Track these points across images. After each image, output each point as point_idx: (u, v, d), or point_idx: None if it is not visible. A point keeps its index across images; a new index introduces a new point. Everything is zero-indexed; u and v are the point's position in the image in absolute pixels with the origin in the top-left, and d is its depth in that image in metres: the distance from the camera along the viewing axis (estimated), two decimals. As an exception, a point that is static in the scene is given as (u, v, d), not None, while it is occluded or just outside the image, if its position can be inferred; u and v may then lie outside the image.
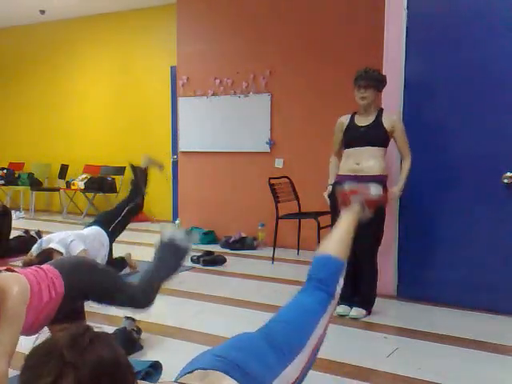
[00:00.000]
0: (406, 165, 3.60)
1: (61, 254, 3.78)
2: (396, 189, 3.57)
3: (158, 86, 7.73)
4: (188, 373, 1.40)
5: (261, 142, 6.00)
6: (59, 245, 3.84)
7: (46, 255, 3.65)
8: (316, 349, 1.72)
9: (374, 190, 2.44)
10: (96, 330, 1.05)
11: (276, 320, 1.74)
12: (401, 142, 3.59)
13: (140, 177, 4.58)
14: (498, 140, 3.60)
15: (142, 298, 2.62)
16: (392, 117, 3.60)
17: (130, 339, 2.93)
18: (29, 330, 2.29)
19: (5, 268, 2.23)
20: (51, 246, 3.82)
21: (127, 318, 3.10)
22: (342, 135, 3.71)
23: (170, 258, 2.78)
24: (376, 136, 3.55)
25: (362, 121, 3.62)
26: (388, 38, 3.92)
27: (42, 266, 2.44)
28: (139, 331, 3.07)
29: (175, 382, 1.35)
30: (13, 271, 2.23)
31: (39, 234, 5.61)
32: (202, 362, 1.44)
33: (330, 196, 3.72)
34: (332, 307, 1.86)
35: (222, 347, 1.54)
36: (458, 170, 3.76)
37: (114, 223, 4.43)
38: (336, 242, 2.04)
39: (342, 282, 1.93)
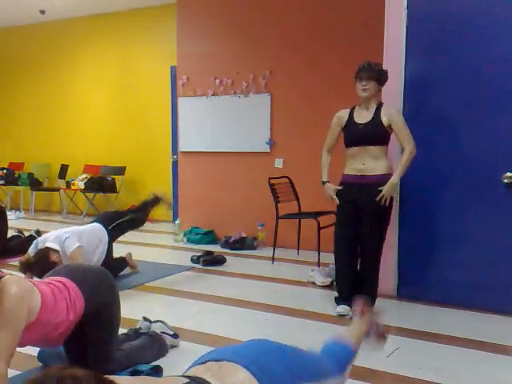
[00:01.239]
0: (405, 156, 3.51)
1: (57, 251, 3.79)
2: (392, 179, 3.51)
3: (157, 86, 7.73)
4: (200, 363, 1.36)
5: (261, 142, 6.00)
6: (54, 243, 3.84)
7: (43, 255, 3.65)
8: None
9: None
10: (61, 370, 1.01)
11: (293, 348, 1.68)
12: (400, 134, 3.53)
13: (152, 202, 5.01)
14: (498, 140, 3.60)
15: (110, 365, 2.44)
16: (390, 110, 3.57)
17: (158, 342, 2.86)
18: (44, 344, 2.22)
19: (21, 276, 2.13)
20: (47, 245, 3.82)
21: (157, 321, 3.04)
22: (341, 131, 3.71)
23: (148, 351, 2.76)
24: (374, 135, 3.54)
25: (361, 117, 3.60)
26: (388, 38, 3.92)
27: (67, 284, 2.31)
28: (176, 335, 3.00)
29: (183, 376, 1.30)
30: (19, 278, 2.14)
31: (39, 233, 5.60)
32: (217, 353, 1.40)
33: (337, 194, 3.70)
34: (343, 379, 1.87)
35: (240, 345, 1.51)
36: (457, 170, 3.76)
37: (115, 222, 4.42)
38: (356, 337, 2.16)
39: (350, 368, 1.97)
